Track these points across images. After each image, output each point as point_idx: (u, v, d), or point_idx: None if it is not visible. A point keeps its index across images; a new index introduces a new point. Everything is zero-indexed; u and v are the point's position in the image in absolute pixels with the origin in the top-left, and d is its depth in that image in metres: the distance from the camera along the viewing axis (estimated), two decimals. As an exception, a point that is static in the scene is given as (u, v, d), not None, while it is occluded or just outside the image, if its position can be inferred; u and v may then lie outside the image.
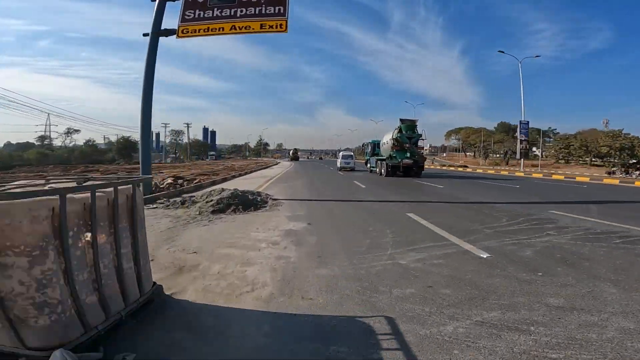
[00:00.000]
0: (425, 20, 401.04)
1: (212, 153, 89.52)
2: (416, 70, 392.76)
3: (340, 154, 27.46)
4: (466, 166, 42.32)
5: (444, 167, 38.51)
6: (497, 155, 64.34)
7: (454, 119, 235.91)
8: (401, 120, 18.21)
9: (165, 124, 75.66)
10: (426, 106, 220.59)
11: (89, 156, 46.94)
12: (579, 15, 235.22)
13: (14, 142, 57.35)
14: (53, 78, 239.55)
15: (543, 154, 54.37)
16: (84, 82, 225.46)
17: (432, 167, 37.31)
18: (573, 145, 46.39)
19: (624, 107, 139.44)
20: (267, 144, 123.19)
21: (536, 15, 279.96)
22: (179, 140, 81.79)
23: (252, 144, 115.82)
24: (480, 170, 31.88)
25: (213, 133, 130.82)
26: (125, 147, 55.30)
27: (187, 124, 77.10)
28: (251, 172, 21.54)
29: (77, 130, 56.52)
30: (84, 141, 56.83)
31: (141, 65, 8.00)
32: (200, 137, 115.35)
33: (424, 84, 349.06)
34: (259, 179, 15.20)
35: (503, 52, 36.62)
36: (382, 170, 18.70)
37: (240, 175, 18.04)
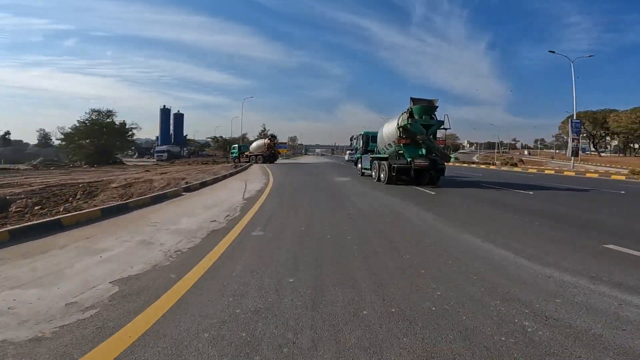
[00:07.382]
0: (449, 13, 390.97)
1: (161, 149, 57.24)
2: (439, 65, 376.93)
3: (347, 152, 37.53)
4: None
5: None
6: None
7: (479, 115, 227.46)
8: (413, 99, 11.68)
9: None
10: (449, 102, 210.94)
11: None
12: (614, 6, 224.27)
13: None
14: (80, 77, 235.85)
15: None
16: (110, 81, 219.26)
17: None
18: None
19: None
20: (273, 136, 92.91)
21: (569, 8, 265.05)
22: (109, 121, 42.22)
23: (252, 137, 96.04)
24: None
25: (179, 117, 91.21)
26: None
27: None
28: None
29: None
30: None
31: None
32: (156, 122, 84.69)
33: (447, 79, 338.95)
34: None
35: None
36: (382, 175, 12.43)
37: None
